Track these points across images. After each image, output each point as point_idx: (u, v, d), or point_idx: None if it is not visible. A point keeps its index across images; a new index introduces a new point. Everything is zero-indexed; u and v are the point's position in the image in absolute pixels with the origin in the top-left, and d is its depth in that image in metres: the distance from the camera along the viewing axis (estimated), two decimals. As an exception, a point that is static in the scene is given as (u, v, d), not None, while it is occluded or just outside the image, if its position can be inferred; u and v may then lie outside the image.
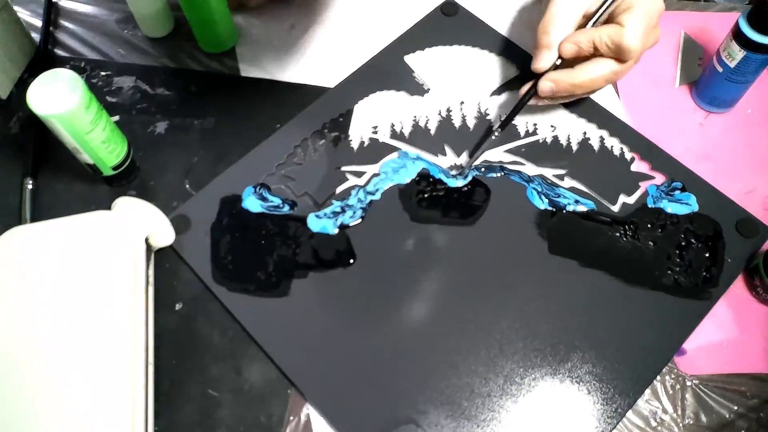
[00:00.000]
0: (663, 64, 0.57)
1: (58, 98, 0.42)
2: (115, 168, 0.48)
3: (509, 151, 0.51)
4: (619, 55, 0.45)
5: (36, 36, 0.58)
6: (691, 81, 0.55)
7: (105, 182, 0.50)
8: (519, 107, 0.49)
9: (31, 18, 0.59)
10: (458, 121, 0.53)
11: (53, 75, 0.42)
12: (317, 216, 0.48)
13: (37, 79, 0.42)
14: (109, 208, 0.43)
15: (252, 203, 0.48)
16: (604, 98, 0.54)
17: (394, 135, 0.52)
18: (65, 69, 0.43)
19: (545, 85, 0.47)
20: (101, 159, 0.46)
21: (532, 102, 0.49)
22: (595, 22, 0.46)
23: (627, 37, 0.44)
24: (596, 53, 0.46)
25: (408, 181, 0.50)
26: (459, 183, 0.49)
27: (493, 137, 0.49)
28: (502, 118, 0.50)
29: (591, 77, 0.46)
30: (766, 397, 0.43)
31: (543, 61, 0.47)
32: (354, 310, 0.44)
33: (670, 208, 0.48)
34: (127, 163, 0.49)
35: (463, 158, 0.51)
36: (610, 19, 0.46)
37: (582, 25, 0.47)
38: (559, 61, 0.47)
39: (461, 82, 0.55)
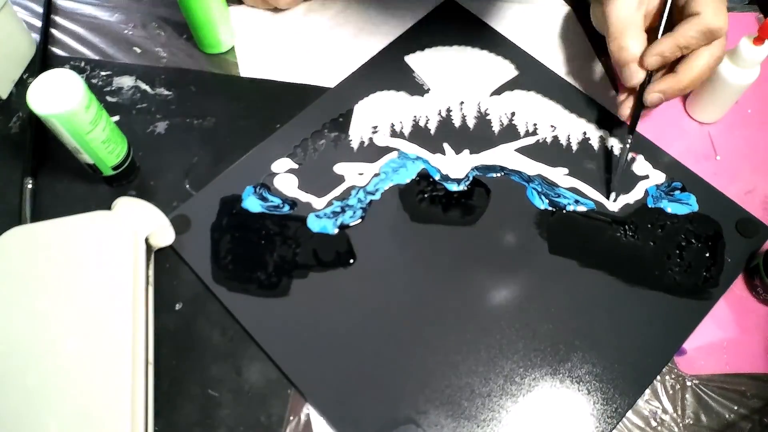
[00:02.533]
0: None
1: (58, 98, 0.42)
2: (115, 168, 0.48)
3: (509, 150, 0.51)
4: (709, 39, 0.44)
5: (36, 36, 0.57)
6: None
7: (105, 182, 0.50)
8: (637, 116, 0.48)
9: (31, 18, 0.59)
10: (458, 121, 0.53)
11: (53, 75, 0.42)
12: (317, 216, 0.48)
13: (37, 79, 0.42)
14: (109, 208, 0.43)
15: (252, 203, 0.48)
16: (605, 98, 0.54)
17: (394, 135, 0.52)
18: (65, 69, 0.43)
19: (654, 97, 0.46)
20: (101, 159, 0.46)
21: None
22: (664, 26, 0.46)
23: (711, 21, 0.43)
24: (685, 53, 0.45)
25: (408, 181, 0.50)
26: (457, 187, 0.49)
27: (628, 145, 0.49)
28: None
29: (697, 75, 0.45)
30: (766, 397, 0.43)
31: (635, 77, 0.46)
32: (354, 310, 0.44)
33: (670, 208, 0.48)
34: (127, 163, 0.49)
35: (463, 156, 0.51)
36: (678, 11, 0.46)
37: (648, 25, 0.47)
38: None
39: (461, 82, 0.55)
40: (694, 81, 0.45)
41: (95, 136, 0.44)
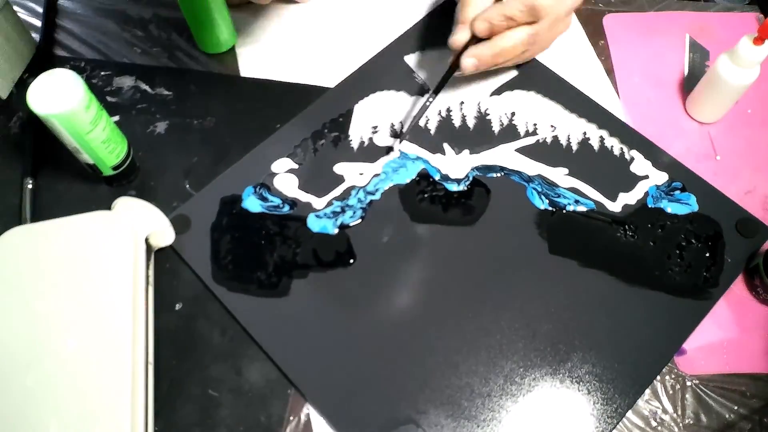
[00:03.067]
0: (663, 64, 0.57)
1: (58, 98, 0.42)
2: (115, 168, 0.48)
3: (509, 150, 0.51)
4: (533, 16, 0.46)
5: (36, 36, 0.57)
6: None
7: (105, 182, 0.50)
8: (446, 78, 0.50)
9: (31, 18, 0.59)
10: (458, 121, 0.53)
11: (53, 75, 0.42)
12: (317, 216, 0.48)
13: (37, 79, 0.42)
14: (109, 208, 0.43)
15: (252, 203, 0.48)
16: (604, 98, 0.54)
17: (394, 135, 0.52)
18: (65, 69, 0.43)
19: (468, 62, 0.48)
20: (101, 159, 0.46)
21: (458, 74, 0.50)
22: None
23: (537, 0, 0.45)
24: (511, 25, 0.47)
25: (408, 181, 0.50)
26: (457, 187, 0.49)
27: (428, 103, 0.50)
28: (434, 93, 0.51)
29: (509, 45, 0.47)
30: (766, 397, 0.43)
31: (458, 35, 0.48)
32: (354, 310, 0.44)
33: (670, 208, 0.48)
34: (127, 163, 0.49)
35: (463, 156, 0.51)
36: None
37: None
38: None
39: (461, 82, 0.55)
40: (505, 50, 0.47)
41: (95, 136, 0.44)
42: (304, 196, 0.49)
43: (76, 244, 0.41)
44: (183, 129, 0.53)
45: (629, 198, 0.49)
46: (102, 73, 0.56)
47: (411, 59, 0.56)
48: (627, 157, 0.51)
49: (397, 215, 0.48)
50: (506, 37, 0.47)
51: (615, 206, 0.48)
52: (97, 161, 0.47)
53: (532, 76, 0.55)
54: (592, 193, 0.49)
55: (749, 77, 0.48)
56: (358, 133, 0.52)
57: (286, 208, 0.48)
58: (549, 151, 0.51)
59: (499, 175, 0.50)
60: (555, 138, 0.52)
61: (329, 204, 0.48)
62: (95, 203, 0.48)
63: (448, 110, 0.53)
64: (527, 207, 0.48)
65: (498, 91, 0.54)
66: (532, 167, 0.50)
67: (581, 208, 0.48)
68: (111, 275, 0.40)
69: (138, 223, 0.43)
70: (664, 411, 0.42)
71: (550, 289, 0.45)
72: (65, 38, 0.58)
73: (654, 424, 0.42)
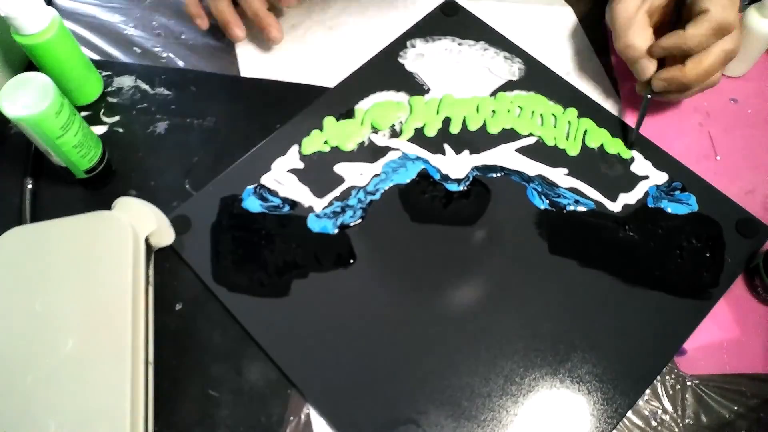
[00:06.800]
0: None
1: (28, 102, 0.41)
2: (88, 171, 0.48)
3: (509, 150, 0.51)
4: (721, 35, 0.44)
5: (36, 36, 0.57)
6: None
7: (104, 182, 0.50)
8: (643, 111, 0.50)
9: (31, 18, 0.59)
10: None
11: (27, 79, 0.42)
12: (317, 216, 0.48)
13: (12, 80, 0.42)
14: (109, 208, 0.43)
15: (252, 203, 0.48)
16: (604, 98, 0.54)
17: (394, 135, 0.52)
18: (40, 73, 0.43)
19: (658, 84, 0.48)
20: (73, 163, 0.46)
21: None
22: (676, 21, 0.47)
23: (720, 16, 0.43)
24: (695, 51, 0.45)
25: (408, 181, 0.50)
26: (457, 188, 0.49)
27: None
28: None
29: (703, 71, 0.46)
30: (766, 397, 0.43)
31: (647, 71, 0.48)
32: (354, 310, 0.44)
33: (670, 208, 0.48)
34: (101, 167, 0.48)
35: (463, 156, 0.51)
36: (687, 8, 0.46)
37: (655, 21, 0.49)
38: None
39: (461, 82, 0.55)
40: (700, 77, 0.46)
41: (66, 140, 0.44)
42: (304, 197, 0.49)
43: (76, 244, 0.41)
44: (183, 129, 0.53)
45: (629, 198, 0.49)
46: (102, 73, 0.56)
47: (411, 59, 0.56)
48: (627, 157, 0.51)
49: (397, 215, 0.48)
50: (699, 63, 0.45)
51: (615, 206, 0.48)
52: (69, 165, 0.47)
53: (532, 76, 0.55)
54: (592, 193, 0.49)
55: None
56: (358, 133, 0.52)
57: (286, 209, 0.48)
58: (549, 151, 0.51)
59: (499, 175, 0.50)
60: (555, 138, 0.52)
61: (329, 204, 0.48)
62: (95, 203, 0.48)
63: (448, 110, 0.53)
64: (527, 207, 0.48)
65: (498, 91, 0.54)
66: (532, 167, 0.50)
67: (581, 208, 0.48)
68: (111, 275, 0.40)
69: (138, 223, 0.42)
70: (664, 411, 0.42)
71: (550, 289, 0.45)
72: (65, 38, 0.58)
73: (654, 424, 0.42)
